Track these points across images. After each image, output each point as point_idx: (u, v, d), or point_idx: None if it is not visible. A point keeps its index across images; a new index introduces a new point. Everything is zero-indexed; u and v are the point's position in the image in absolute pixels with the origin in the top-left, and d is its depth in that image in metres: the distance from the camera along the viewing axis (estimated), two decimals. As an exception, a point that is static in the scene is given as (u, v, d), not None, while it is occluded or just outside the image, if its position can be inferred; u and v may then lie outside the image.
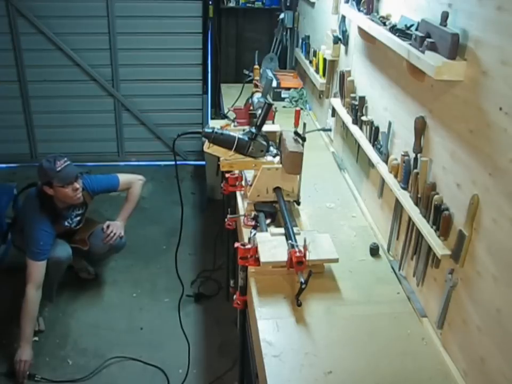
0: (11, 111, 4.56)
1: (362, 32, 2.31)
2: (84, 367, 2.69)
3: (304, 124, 2.16)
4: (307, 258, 1.69)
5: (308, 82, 3.67)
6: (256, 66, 3.42)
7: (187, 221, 3.85)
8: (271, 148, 2.21)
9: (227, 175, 2.34)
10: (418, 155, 1.76)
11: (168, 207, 4.10)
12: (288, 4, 4.21)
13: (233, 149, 2.08)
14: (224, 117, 3.18)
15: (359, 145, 2.35)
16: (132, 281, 3.33)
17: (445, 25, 1.49)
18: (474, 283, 1.42)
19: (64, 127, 4.68)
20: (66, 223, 2.91)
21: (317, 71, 3.29)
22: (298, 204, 2.22)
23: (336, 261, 1.85)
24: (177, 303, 2.47)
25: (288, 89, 3.78)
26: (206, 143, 2.10)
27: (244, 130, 2.20)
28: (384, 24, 1.95)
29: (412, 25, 1.72)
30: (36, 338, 2.81)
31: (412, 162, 1.79)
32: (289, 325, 1.67)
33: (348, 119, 2.50)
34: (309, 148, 2.22)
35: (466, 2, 1.44)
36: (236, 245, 1.83)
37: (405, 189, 1.83)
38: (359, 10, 2.28)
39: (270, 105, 2.18)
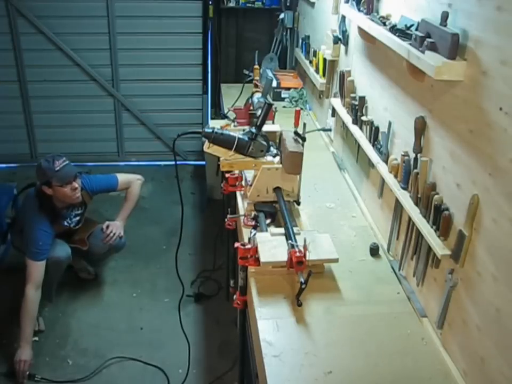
0: (11, 111, 4.56)
1: (362, 32, 2.31)
2: (84, 367, 2.69)
3: (304, 124, 2.16)
4: (307, 258, 1.69)
5: (308, 82, 3.67)
6: (256, 66, 3.41)
7: (187, 221, 3.85)
8: (271, 148, 2.21)
9: (227, 175, 2.34)
10: (418, 155, 1.76)
11: (168, 207, 4.10)
12: (288, 4, 4.21)
13: (233, 149, 2.08)
14: (224, 117, 3.18)
15: (359, 145, 2.35)
16: (132, 281, 3.33)
17: (445, 25, 1.49)
18: (474, 283, 1.42)
19: (64, 127, 4.68)
20: (65, 223, 2.91)
21: (317, 71, 3.29)
22: (298, 203, 2.22)
23: (336, 261, 1.85)
24: (177, 303, 2.47)
25: (288, 89, 3.78)
26: (206, 143, 2.10)
27: (243, 130, 2.20)
28: (384, 24, 1.95)
29: (412, 25, 1.72)
30: (36, 338, 2.81)
31: (411, 162, 1.79)
32: (289, 325, 1.67)
33: (348, 119, 2.50)
34: (309, 148, 2.22)
35: (466, 2, 1.44)
36: (236, 245, 1.83)
37: (405, 189, 1.83)
38: (359, 10, 2.28)
39: (270, 105, 2.18)
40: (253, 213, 2.15)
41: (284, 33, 4.32)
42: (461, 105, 1.48)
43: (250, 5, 4.42)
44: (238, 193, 2.38)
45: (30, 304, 2.58)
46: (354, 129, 2.40)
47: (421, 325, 1.71)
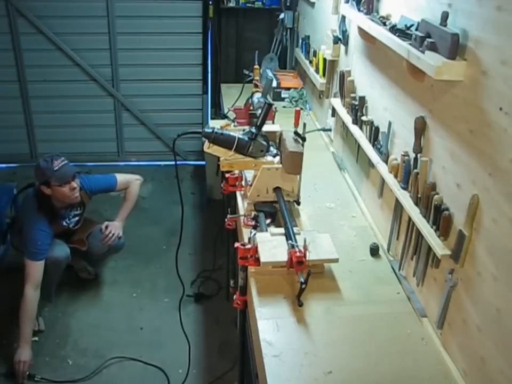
0: (11, 111, 4.56)
1: (362, 32, 2.31)
2: (84, 367, 2.69)
3: (304, 124, 2.16)
4: (307, 258, 1.69)
5: (308, 82, 3.67)
6: (256, 66, 3.41)
7: (187, 221, 3.85)
8: (271, 148, 2.21)
9: (227, 175, 2.34)
10: (418, 155, 1.76)
11: (168, 207, 4.10)
12: (288, 4, 4.21)
13: (233, 149, 2.08)
14: (224, 117, 3.18)
15: (359, 145, 2.35)
16: (132, 281, 3.33)
17: (445, 25, 1.49)
18: (474, 283, 1.42)
19: (64, 127, 4.68)
20: (64, 223, 2.91)
21: (317, 71, 3.29)
22: (298, 204, 2.21)
23: (336, 261, 1.85)
24: (177, 303, 2.47)
25: (288, 89, 3.78)
26: (206, 143, 2.10)
27: (244, 130, 2.20)
28: (384, 24, 1.95)
29: (412, 25, 1.72)
30: (36, 338, 2.81)
31: (412, 162, 1.79)
32: (289, 325, 1.67)
33: (348, 119, 2.50)
34: (309, 148, 2.22)
35: (466, 2, 1.44)
36: (236, 245, 1.83)
37: (405, 189, 1.83)
38: (359, 10, 2.28)
39: (270, 105, 2.18)
40: (253, 213, 2.15)
41: (284, 33, 4.32)
42: (461, 105, 1.48)
43: (250, 5, 4.42)
44: (238, 193, 2.38)
45: (29, 304, 2.58)
46: (354, 129, 2.40)
47: (421, 325, 1.71)
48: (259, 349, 1.59)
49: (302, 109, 3.14)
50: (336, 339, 1.62)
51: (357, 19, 2.28)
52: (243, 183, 2.33)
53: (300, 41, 3.92)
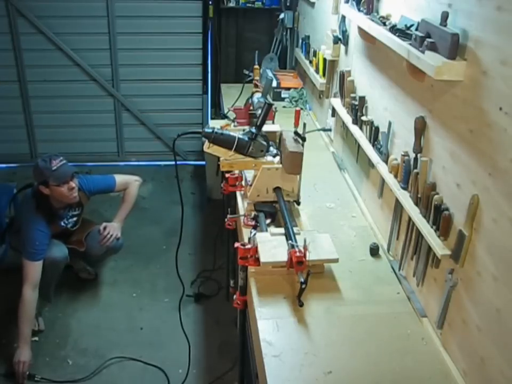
0: (11, 111, 4.56)
1: (362, 32, 2.31)
2: (84, 367, 2.69)
3: (304, 124, 2.16)
4: (307, 258, 1.69)
5: (308, 82, 3.67)
6: (256, 66, 3.41)
7: (187, 221, 3.85)
8: (271, 148, 2.21)
9: (227, 175, 2.34)
10: (418, 155, 1.76)
11: (168, 207, 4.10)
12: (288, 4, 4.21)
13: (233, 149, 2.08)
14: (224, 117, 3.18)
15: (359, 145, 2.35)
16: (132, 281, 3.33)
17: (445, 25, 1.49)
18: (474, 283, 1.42)
19: (64, 127, 4.68)
20: (62, 223, 2.90)
21: (317, 71, 3.29)
22: (298, 203, 2.21)
23: (336, 261, 1.85)
24: (177, 303, 2.47)
25: (288, 89, 3.78)
26: (206, 143, 2.10)
27: (244, 130, 2.20)
28: (384, 24, 1.95)
29: (412, 25, 1.72)
30: (36, 338, 2.81)
31: (412, 162, 1.79)
32: (289, 325, 1.67)
33: (348, 119, 2.50)
34: (309, 148, 2.22)
35: (466, 2, 1.44)
36: (236, 245, 1.83)
37: (405, 189, 1.83)
38: (359, 10, 2.28)
39: (270, 105, 2.18)
40: (253, 213, 2.15)
41: (284, 33, 4.32)
42: (461, 105, 1.48)
43: (250, 5, 4.41)
44: (238, 193, 2.38)
45: (27, 304, 2.58)
46: (354, 129, 2.40)
47: (421, 325, 1.71)
48: (259, 349, 1.60)
49: (302, 109, 3.14)
50: (336, 339, 1.62)
51: (357, 19, 2.28)
52: (243, 183, 2.33)
53: (300, 41, 3.92)
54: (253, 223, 2.08)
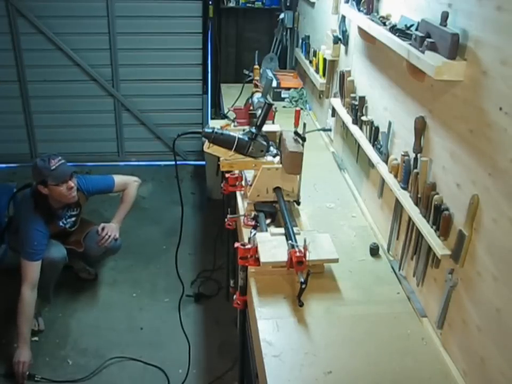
0: (11, 111, 4.56)
1: (362, 32, 2.31)
2: (84, 367, 2.69)
3: (304, 124, 2.16)
4: (307, 258, 1.69)
5: (308, 82, 3.67)
6: (256, 66, 3.41)
7: (187, 221, 3.85)
8: (271, 148, 2.21)
9: (227, 175, 2.34)
10: (418, 155, 1.76)
11: (168, 207, 4.10)
12: (288, 4, 4.21)
13: (233, 149, 2.08)
14: (224, 117, 3.18)
15: (359, 145, 2.35)
16: (132, 281, 3.33)
17: (445, 25, 1.49)
18: (474, 283, 1.42)
19: (64, 127, 4.68)
20: (60, 223, 2.90)
21: (317, 71, 3.29)
22: (298, 203, 2.21)
23: (336, 261, 1.85)
24: (177, 303, 2.47)
25: (288, 89, 3.78)
26: (206, 143, 2.10)
27: (244, 130, 2.20)
28: (384, 24, 1.95)
29: (412, 25, 1.72)
30: (36, 338, 2.81)
31: (412, 162, 1.79)
32: (289, 325, 1.67)
33: (348, 119, 2.50)
34: (309, 148, 2.22)
35: (466, 2, 1.44)
36: (236, 245, 1.83)
37: (405, 189, 1.83)
38: (359, 10, 2.28)
39: (270, 105, 2.18)
40: (253, 213, 2.15)
41: (284, 33, 4.32)
42: (461, 105, 1.48)
43: (250, 5, 4.41)
44: (238, 193, 2.38)
45: (26, 304, 2.57)
46: (354, 129, 2.40)
47: (421, 325, 1.71)
48: (259, 349, 1.60)
49: (302, 109, 3.13)
50: (336, 339, 1.62)
51: (357, 19, 2.28)
52: (243, 183, 2.33)
53: (300, 41, 3.92)
54: (253, 223, 2.08)
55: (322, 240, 1.90)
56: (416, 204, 1.74)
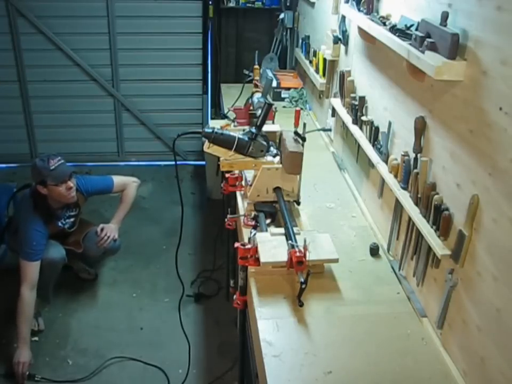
0: (11, 111, 4.56)
1: (362, 32, 2.31)
2: (84, 367, 2.69)
3: (304, 124, 2.16)
4: (307, 258, 1.69)
5: (308, 82, 3.67)
6: (256, 66, 3.41)
7: (187, 221, 3.85)
8: (271, 148, 2.21)
9: (227, 175, 2.34)
10: (418, 155, 1.76)
11: (168, 207, 4.10)
12: (288, 4, 4.21)
13: (233, 149, 2.08)
14: (224, 117, 3.18)
15: (359, 145, 2.35)
16: (132, 281, 3.33)
17: (445, 25, 1.49)
18: (474, 283, 1.42)
19: (64, 127, 4.68)
20: (59, 224, 2.89)
21: (317, 71, 3.29)
22: (298, 203, 2.21)
23: (336, 261, 1.85)
24: (177, 303, 2.47)
25: (288, 89, 3.78)
26: (206, 143, 2.10)
27: (244, 130, 2.20)
28: (384, 24, 1.95)
29: (412, 25, 1.72)
30: (36, 338, 2.81)
31: (412, 162, 1.79)
32: (289, 325, 1.67)
33: (348, 119, 2.50)
34: (309, 148, 2.22)
35: (466, 2, 1.44)
36: (236, 245, 1.83)
37: (405, 189, 1.83)
38: (359, 10, 2.28)
39: (270, 105, 2.18)
40: (253, 213, 2.15)
41: (284, 33, 4.32)
42: (461, 105, 1.48)
43: (250, 5, 4.41)
44: (238, 193, 2.38)
45: (25, 304, 2.57)
46: (354, 129, 2.40)
47: (421, 325, 1.71)
48: (259, 349, 1.60)
49: (302, 109, 3.14)
50: (336, 339, 1.62)
51: (357, 19, 2.28)
52: (243, 183, 2.33)
53: (300, 41, 3.92)
54: (253, 223, 2.08)
55: (322, 240, 1.90)
56: (416, 204, 1.74)
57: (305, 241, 1.70)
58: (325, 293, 1.81)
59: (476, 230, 1.41)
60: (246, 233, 2.04)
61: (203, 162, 4.57)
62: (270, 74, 3.85)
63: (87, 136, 4.73)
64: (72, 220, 2.98)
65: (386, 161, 2.03)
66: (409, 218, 1.79)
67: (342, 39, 2.76)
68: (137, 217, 3.82)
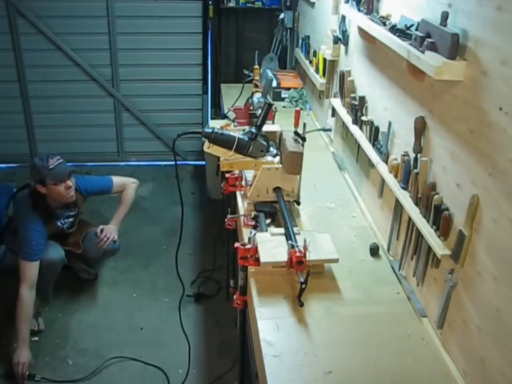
0: (11, 111, 4.56)
1: (362, 32, 2.31)
2: (84, 367, 2.69)
3: (304, 124, 2.16)
4: (307, 258, 1.69)
5: (308, 82, 3.67)
6: (256, 66, 3.41)
7: (187, 221, 3.85)
8: (271, 148, 2.21)
9: (227, 175, 2.34)
10: (418, 155, 1.76)
11: (168, 207, 4.10)
12: (288, 4, 4.21)
13: (233, 149, 2.08)
14: (224, 117, 3.18)
15: (359, 145, 2.35)
16: (132, 281, 3.33)
17: (445, 25, 1.49)
18: (474, 283, 1.42)
19: (64, 127, 4.68)
20: (58, 223, 2.88)
21: (317, 71, 3.29)
22: (298, 203, 2.21)
23: (336, 261, 1.85)
24: (177, 303, 2.47)
25: (288, 89, 3.78)
26: (206, 143, 2.10)
27: (244, 130, 2.20)
28: (384, 24, 1.95)
29: (412, 25, 1.72)
30: (36, 339, 2.81)
31: (412, 162, 1.79)
32: (289, 325, 1.67)
33: (348, 119, 2.50)
34: (309, 148, 2.22)
35: (466, 2, 1.44)
36: (236, 245, 1.83)
37: (405, 189, 1.83)
38: (359, 10, 2.28)
39: (270, 105, 2.18)
40: (253, 213, 2.15)
41: (284, 33, 4.32)
42: (461, 105, 1.48)
43: (250, 5, 4.41)
44: (238, 193, 2.38)
45: (25, 304, 2.57)
46: (354, 129, 2.40)
47: (421, 325, 1.71)
48: (259, 349, 1.60)
49: (302, 109, 3.14)
50: (336, 339, 1.62)
51: (357, 19, 2.28)
52: (243, 183, 2.33)
53: (300, 41, 3.92)
54: (253, 223, 2.08)
55: (322, 240, 1.90)
56: (416, 204, 1.74)
57: (305, 241, 1.70)
58: (325, 293, 1.81)
59: (475, 230, 1.41)
60: (246, 233, 2.04)
61: (203, 162, 4.57)
62: (270, 74, 3.85)
63: (87, 136, 4.73)
64: (71, 219, 2.97)
65: (386, 161, 2.03)
66: (409, 218, 1.79)
67: (342, 39, 2.76)
68: (137, 217, 3.82)
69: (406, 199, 1.79)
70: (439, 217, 1.56)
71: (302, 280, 1.65)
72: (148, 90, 4.63)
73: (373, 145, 2.18)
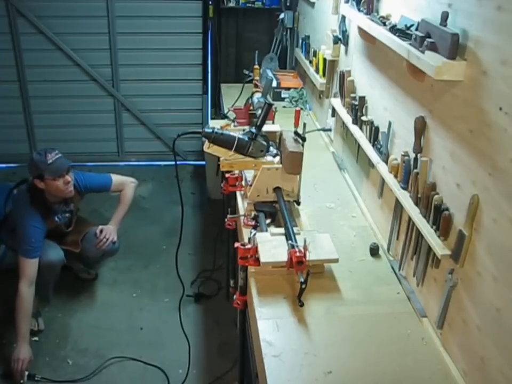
0: (11, 111, 4.56)
1: (362, 32, 2.31)
2: (84, 367, 2.69)
3: (304, 124, 2.16)
4: (307, 258, 1.69)
5: (308, 82, 3.67)
6: (256, 66, 3.41)
7: (187, 221, 3.85)
8: (271, 148, 2.21)
9: (227, 175, 2.34)
10: (418, 155, 1.76)
11: (168, 207, 4.10)
12: (288, 4, 4.21)
13: (233, 149, 2.08)
14: (224, 117, 3.18)
15: (359, 145, 2.35)
16: (132, 281, 3.33)
17: (445, 25, 1.49)
18: (474, 283, 1.42)
19: (64, 127, 4.68)
20: (56, 218, 2.86)
21: (317, 71, 3.29)
22: (298, 203, 2.21)
23: (336, 261, 1.85)
24: (177, 303, 2.47)
25: (288, 89, 3.78)
26: (206, 143, 2.10)
27: (244, 130, 2.20)
28: (384, 24, 1.95)
29: (412, 25, 1.72)
30: (36, 338, 2.81)
31: (412, 162, 1.79)
32: (289, 325, 1.67)
33: (348, 119, 2.50)
34: (309, 148, 2.22)
35: (466, 2, 1.44)
36: (236, 245, 1.83)
37: (405, 189, 1.83)
38: (359, 10, 2.28)
39: (270, 105, 2.18)
40: (253, 213, 2.15)
41: (284, 33, 4.32)
42: (461, 105, 1.48)
43: (250, 5, 4.41)
44: (238, 193, 2.38)
45: (24, 301, 2.56)
46: (354, 129, 2.40)
47: (421, 325, 1.71)
48: (259, 349, 1.60)
49: (302, 109, 3.14)
50: (336, 339, 1.62)
51: (357, 19, 2.28)
52: (243, 183, 2.33)
53: (300, 41, 3.92)
54: (253, 223, 2.08)
55: (322, 240, 1.90)
56: (416, 204, 1.74)
57: (305, 241, 1.70)
58: (325, 293, 1.81)
59: (476, 230, 1.41)
60: (246, 233, 2.04)
61: (203, 162, 4.57)
62: (270, 74, 3.85)
63: (87, 136, 4.73)
64: (67, 215, 2.95)
65: (386, 161, 2.03)
66: (409, 218, 1.79)
67: (342, 39, 2.76)
68: (137, 217, 3.82)
69: (406, 199, 1.79)
70: (439, 217, 1.56)
71: (302, 280, 1.65)
72: (147, 90, 4.63)
73: (373, 145, 2.18)
